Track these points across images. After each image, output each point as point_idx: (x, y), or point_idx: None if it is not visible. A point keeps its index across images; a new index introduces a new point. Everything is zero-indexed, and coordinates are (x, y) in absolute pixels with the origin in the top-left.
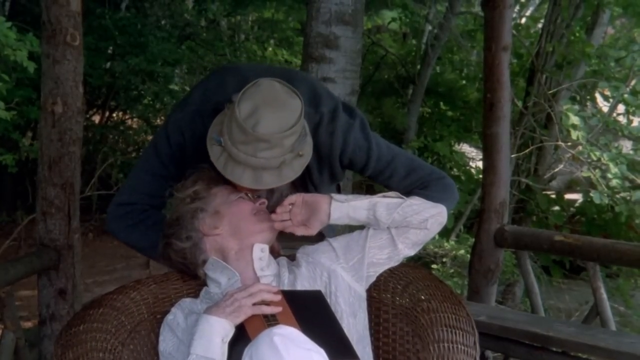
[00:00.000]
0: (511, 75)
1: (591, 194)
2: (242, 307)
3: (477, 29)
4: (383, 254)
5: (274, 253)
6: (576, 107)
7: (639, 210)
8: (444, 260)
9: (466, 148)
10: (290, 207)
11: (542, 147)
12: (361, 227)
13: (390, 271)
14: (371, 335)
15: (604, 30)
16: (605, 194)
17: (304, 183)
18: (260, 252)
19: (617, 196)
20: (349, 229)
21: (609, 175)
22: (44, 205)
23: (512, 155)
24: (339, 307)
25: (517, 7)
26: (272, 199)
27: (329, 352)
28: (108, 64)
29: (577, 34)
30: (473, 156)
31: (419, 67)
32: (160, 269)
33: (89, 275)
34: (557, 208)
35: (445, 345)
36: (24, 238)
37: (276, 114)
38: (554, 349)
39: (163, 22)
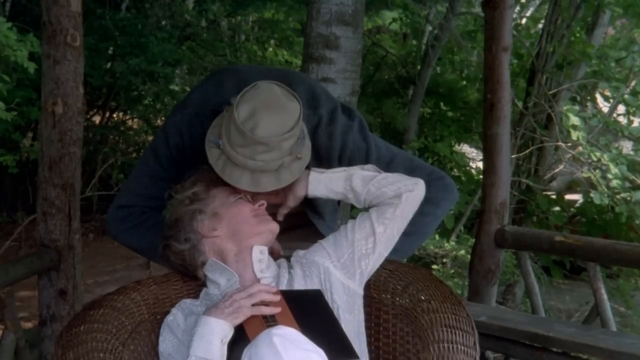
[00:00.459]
0: (511, 75)
1: (591, 195)
2: (241, 308)
3: (478, 30)
4: (369, 244)
5: (274, 254)
6: (576, 107)
7: (639, 210)
8: (445, 260)
9: (466, 148)
10: None
11: (543, 148)
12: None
13: (390, 271)
14: (371, 335)
15: (604, 30)
16: (606, 195)
17: None
18: (260, 254)
19: (618, 197)
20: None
21: (609, 176)
22: (44, 206)
23: (513, 156)
24: (334, 304)
25: (518, 8)
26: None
27: (328, 352)
28: (108, 65)
29: (578, 35)
30: (473, 157)
31: (419, 67)
32: (160, 270)
33: (90, 276)
34: (557, 208)
35: (445, 345)
36: (24, 238)
37: (275, 117)
38: (555, 350)
39: (163, 22)
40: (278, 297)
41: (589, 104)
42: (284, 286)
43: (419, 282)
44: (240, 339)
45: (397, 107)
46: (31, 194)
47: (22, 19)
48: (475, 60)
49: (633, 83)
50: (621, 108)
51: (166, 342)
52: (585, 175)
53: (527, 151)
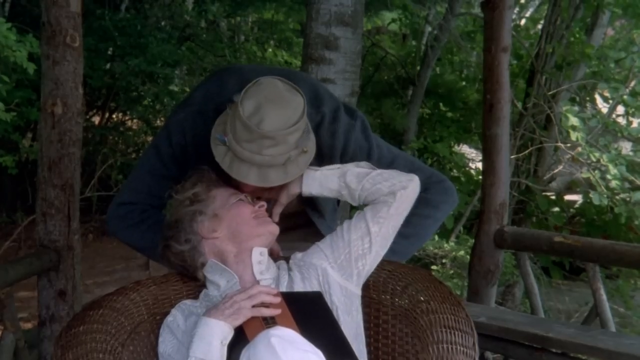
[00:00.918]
0: (511, 76)
1: (591, 195)
2: (241, 310)
3: (477, 30)
4: (365, 244)
5: (274, 255)
6: (576, 108)
7: (639, 211)
8: (444, 261)
9: (466, 149)
10: None
11: (542, 148)
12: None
13: (389, 272)
14: (370, 336)
15: (603, 31)
16: (605, 195)
17: None
18: (260, 255)
19: (617, 197)
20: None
21: (609, 177)
22: (43, 207)
23: (512, 156)
24: (333, 305)
25: (517, 9)
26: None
27: (327, 355)
28: (108, 65)
29: (577, 35)
30: (473, 157)
31: (418, 68)
32: (160, 270)
33: (89, 277)
34: (556, 209)
35: (445, 346)
36: (23, 239)
37: (280, 110)
38: (554, 350)
39: (163, 23)
40: (278, 299)
41: (588, 104)
42: (284, 288)
43: (418, 282)
44: (240, 340)
45: (397, 107)
46: (30, 194)
47: (22, 20)
48: (475, 60)
49: (632, 84)
50: (620, 109)
51: (166, 343)
52: (584, 175)
53: (527, 152)
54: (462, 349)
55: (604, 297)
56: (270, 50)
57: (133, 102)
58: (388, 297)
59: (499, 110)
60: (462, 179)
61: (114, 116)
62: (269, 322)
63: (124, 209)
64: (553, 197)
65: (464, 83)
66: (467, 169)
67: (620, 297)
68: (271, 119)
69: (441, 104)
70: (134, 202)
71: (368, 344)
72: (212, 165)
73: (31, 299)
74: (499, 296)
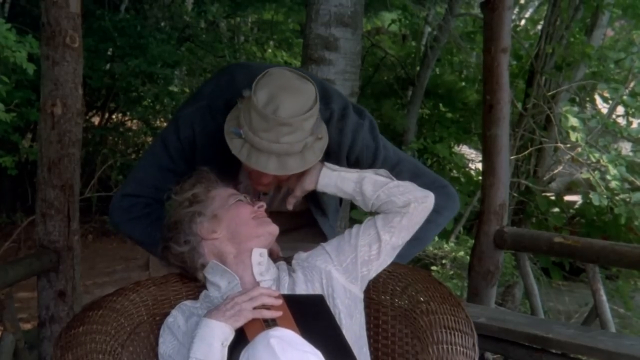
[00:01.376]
0: (510, 76)
1: (590, 196)
2: (243, 311)
3: (477, 31)
4: (373, 250)
5: (273, 256)
6: (575, 108)
7: (638, 212)
8: (444, 261)
9: (465, 150)
10: None
11: (542, 149)
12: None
13: (389, 272)
14: (370, 337)
15: (603, 32)
16: (605, 196)
17: None
18: (259, 256)
19: (617, 198)
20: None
21: (608, 177)
22: (43, 207)
23: (512, 157)
24: (336, 308)
25: (517, 9)
26: (279, 195)
27: (328, 357)
28: (108, 66)
29: (577, 36)
30: (472, 158)
31: (418, 68)
32: (160, 271)
33: (89, 277)
34: (556, 210)
35: (445, 346)
36: (23, 240)
37: (293, 97)
38: (554, 351)
39: (162, 23)
40: (280, 301)
41: (588, 105)
42: (285, 290)
43: (418, 283)
44: (240, 342)
45: (396, 108)
46: (30, 195)
47: (21, 20)
48: (475, 61)
49: (632, 84)
50: (620, 109)
51: (166, 344)
52: (584, 176)
53: (526, 152)
54: (462, 349)
55: (604, 297)
56: (270, 50)
57: (133, 103)
58: (388, 297)
59: (498, 111)
60: (462, 179)
61: (113, 117)
62: (270, 324)
63: (128, 201)
64: (553, 198)
65: (463, 84)
66: (467, 169)
67: (620, 297)
68: (286, 106)
69: (441, 105)
70: (138, 194)
71: (368, 345)
72: (220, 159)
73: (31, 300)
74: (498, 297)
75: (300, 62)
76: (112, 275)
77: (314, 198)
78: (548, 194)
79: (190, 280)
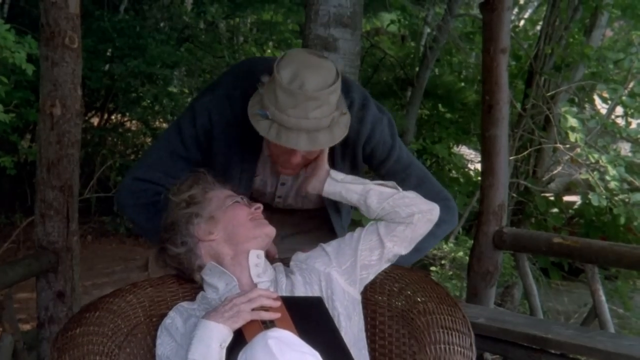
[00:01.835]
0: (510, 77)
1: (590, 196)
2: (241, 313)
3: (476, 31)
4: (374, 256)
5: (270, 257)
6: (574, 109)
7: (638, 212)
8: (443, 262)
9: (465, 150)
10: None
11: (541, 149)
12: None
13: (386, 273)
14: (367, 338)
15: (602, 32)
16: (604, 196)
17: None
18: (256, 258)
19: (616, 198)
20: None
21: (608, 178)
22: (42, 208)
23: (511, 158)
24: (335, 310)
25: (516, 10)
26: (297, 183)
27: (326, 359)
28: (107, 66)
29: (576, 36)
30: (472, 158)
31: (417, 69)
32: (159, 272)
33: (88, 278)
34: (555, 210)
35: (442, 346)
36: (22, 240)
37: (316, 72)
38: (553, 351)
39: (162, 24)
40: (278, 303)
41: (587, 105)
42: (283, 292)
43: (415, 284)
44: (239, 343)
45: (396, 108)
46: (29, 195)
47: (21, 21)
48: (474, 62)
49: (631, 85)
50: (619, 110)
51: (164, 346)
52: (583, 176)
53: (526, 153)
54: (459, 349)
55: (603, 298)
56: (269, 51)
57: (132, 104)
58: (385, 298)
59: (497, 112)
60: (461, 180)
61: (112, 117)
62: (269, 326)
63: (138, 185)
64: (552, 198)
65: (462, 84)
66: (466, 170)
67: (619, 298)
68: (311, 81)
69: (440, 105)
70: (148, 179)
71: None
72: (237, 148)
73: (30, 301)
74: (497, 297)
75: None
76: (111, 276)
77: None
78: (547, 195)
79: (186, 282)
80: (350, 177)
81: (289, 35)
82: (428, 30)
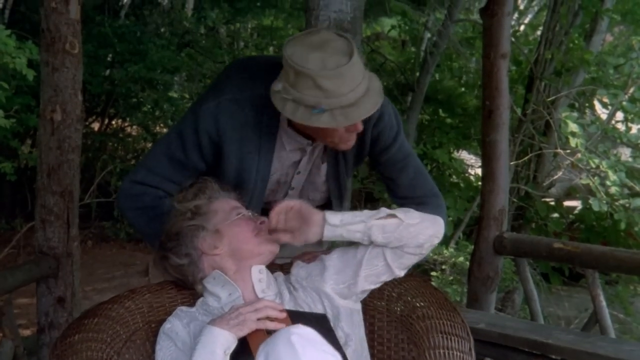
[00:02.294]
0: (510, 82)
1: (590, 202)
2: (247, 321)
3: (476, 37)
4: (381, 278)
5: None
6: (575, 114)
7: (638, 217)
8: (443, 267)
9: (465, 155)
10: (285, 210)
11: (541, 155)
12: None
13: None
14: (366, 342)
15: (602, 37)
16: (604, 202)
17: (335, 156)
18: (259, 273)
19: (616, 203)
20: None
21: (608, 183)
22: (42, 213)
23: (511, 163)
24: (342, 331)
25: (516, 15)
26: (308, 168)
27: None
28: (107, 72)
29: (576, 42)
30: (472, 163)
31: (417, 74)
32: (159, 278)
33: (88, 283)
34: (556, 215)
35: (441, 351)
36: (22, 246)
37: (333, 47)
38: (554, 357)
39: (162, 29)
40: (284, 315)
41: (587, 110)
42: (286, 305)
43: (414, 289)
44: (243, 351)
45: None
46: (30, 201)
47: (21, 27)
48: (474, 67)
49: (631, 90)
50: (619, 115)
51: (164, 351)
52: (583, 182)
53: (526, 158)
54: (458, 354)
55: (604, 303)
56: None
57: (132, 109)
58: (384, 303)
59: (498, 117)
60: (462, 185)
61: (113, 122)
62: None
63: (137, 189)
64: (552, 203)
65: (463, 89)
66: (467, 175)
67: (620, 303)
68: (334, 54)
69: (440, 110)
70: (147, 183)
71: None
72: (251, 148)
73: (30, 306)
74: (498, 302)
75: None
76: (112, 281)
77: (337, 190)
78: (547, 200)
79: (185, 288)
80: (348, 216)
81: None
82: (428, 35)
